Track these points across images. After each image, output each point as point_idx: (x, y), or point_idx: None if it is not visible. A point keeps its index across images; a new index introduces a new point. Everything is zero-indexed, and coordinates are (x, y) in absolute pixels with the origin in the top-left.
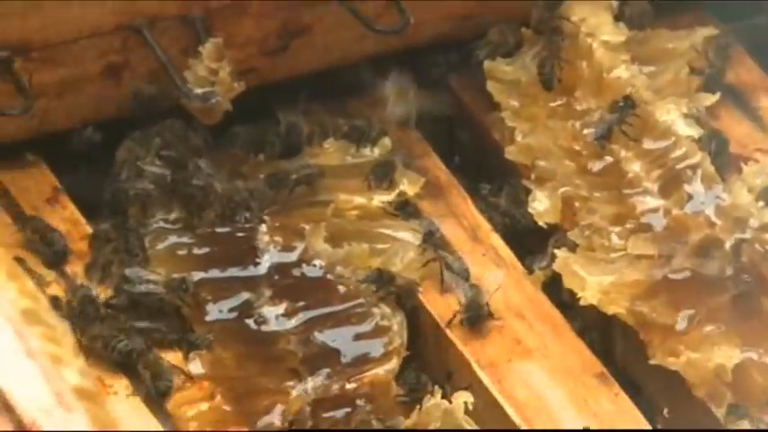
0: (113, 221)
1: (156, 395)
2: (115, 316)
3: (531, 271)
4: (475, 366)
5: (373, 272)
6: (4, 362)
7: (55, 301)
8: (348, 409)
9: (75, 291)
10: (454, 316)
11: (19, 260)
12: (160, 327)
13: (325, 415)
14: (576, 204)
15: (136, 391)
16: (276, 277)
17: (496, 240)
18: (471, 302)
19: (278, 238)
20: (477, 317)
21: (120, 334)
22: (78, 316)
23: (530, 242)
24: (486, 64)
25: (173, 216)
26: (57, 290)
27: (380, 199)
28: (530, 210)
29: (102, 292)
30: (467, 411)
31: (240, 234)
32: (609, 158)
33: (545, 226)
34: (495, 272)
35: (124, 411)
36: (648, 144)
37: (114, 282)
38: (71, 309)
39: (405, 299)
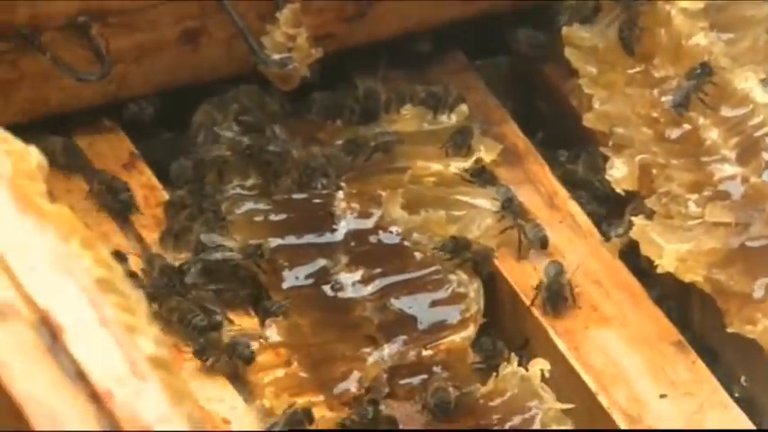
0: (189, 187)
1: (241, 362)
2: (193, 288)
3: (608, 238)
4: (551, 334)
5: (448, 239)
6: (78, 331)
7: (130, 269)
8: (424, 376)
9: (151, 260)
10: (536, 296)
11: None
12: (232, 287)
13: (402, 382)
14: (654, 172)
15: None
16: (353, 244)
17: (574, 207)
18: (552, 283)
19: (355, 205)
20: (557, 299)
21: (197, 308)
22: (158, 287)
23: (607, 210)
24: (565, 30)
25: (249, 182)
26: (132, 258)
27: (457, 166)
28: (607, 177)
29: (177, 260)
30: (543, 379)
31: (317, 200)
32: (687, 126)
33: (622, 193)
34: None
35: (200, 379)
36: (726, 111)
37: (191, 248)
38: (149, 278)
39: (481, 265)
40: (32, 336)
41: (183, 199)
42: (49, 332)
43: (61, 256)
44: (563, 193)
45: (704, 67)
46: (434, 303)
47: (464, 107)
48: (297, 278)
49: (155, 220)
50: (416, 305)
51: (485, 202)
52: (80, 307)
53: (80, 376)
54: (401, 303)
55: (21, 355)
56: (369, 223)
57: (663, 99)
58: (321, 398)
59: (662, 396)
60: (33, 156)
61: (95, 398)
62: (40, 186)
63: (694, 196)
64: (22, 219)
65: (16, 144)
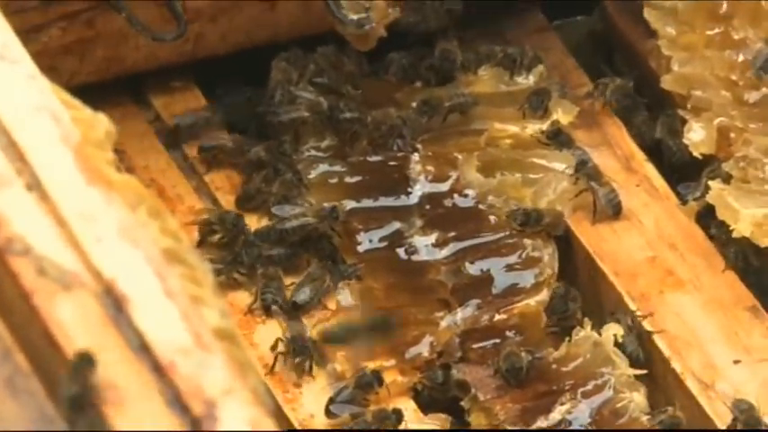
0: (265, 146)
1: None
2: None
3: (684, 202)
4: (626, 298)
5: (520, 212)
6: (143, 302)
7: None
8: (497, 341)
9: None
10: None
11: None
12: (306, 252)
13: (474, 346)
14: (732, 135)
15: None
16: (428, 207)
17: (651, 170)
18: (749, 419)
19: (430, 168)
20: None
21: (272, 283)
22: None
23: (684, 173)
24: None
25: (324, 144)
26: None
27: (534, 128)
28: (685, 140)
29: (252, 222)
30: (616, 344)
31: (392, 163)
32: (765, 90)
33: (700, 157)
34: None
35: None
36: None
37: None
38: (232, 253)
39: (554, 233)
40: (97, 306)
41: (259, 157)
42: (114, 303)
43: (128, 226)
44: (640, 155)
45: None
46: (508, 267)
47: (541, 68)
48: (371, 241)
49: (229, 180)
50: (490, 269)
51: (561, 164)
52: (146, 277)
53: (144, 347)
54: (475, 267)
55: (84, 326)
56: (444, 186)
57: (741, 61)
58: (393, 362)
59: (736, 362)
60: (102, 123)
61: (159, 369)
62: (108, 155)
63: None
64: (89, 188)
65: (85, 112)
